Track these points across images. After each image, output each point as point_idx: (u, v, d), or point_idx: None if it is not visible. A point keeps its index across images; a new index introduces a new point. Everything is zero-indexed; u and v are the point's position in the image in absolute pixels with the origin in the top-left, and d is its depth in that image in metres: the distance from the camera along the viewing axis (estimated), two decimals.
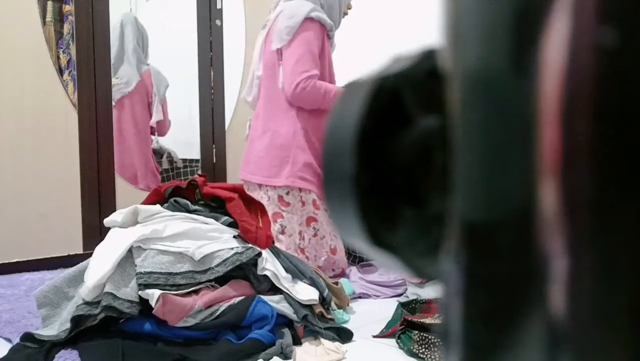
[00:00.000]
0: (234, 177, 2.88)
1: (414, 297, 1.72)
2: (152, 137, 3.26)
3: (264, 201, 2.04)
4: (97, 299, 1.37)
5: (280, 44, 2.10)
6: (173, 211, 1.63)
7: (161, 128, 3.28)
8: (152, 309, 1.38)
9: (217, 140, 3.15)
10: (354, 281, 2.03)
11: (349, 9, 2.21)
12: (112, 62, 3.01)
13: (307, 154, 2.06)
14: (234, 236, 1.60)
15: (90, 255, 1.52)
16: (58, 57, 2.66)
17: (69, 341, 1.36)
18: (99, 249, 1.49)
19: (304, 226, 2.07)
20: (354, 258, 2.29)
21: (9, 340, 1.46)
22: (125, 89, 3.07)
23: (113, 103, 2.99)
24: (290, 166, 2.05)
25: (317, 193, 2.05)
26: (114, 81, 3.00)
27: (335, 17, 2.17)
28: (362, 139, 0.21)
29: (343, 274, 2.17)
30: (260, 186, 2.10)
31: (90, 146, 2.55)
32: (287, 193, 2.05)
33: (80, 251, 2.49)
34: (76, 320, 1.36)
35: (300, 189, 2.06)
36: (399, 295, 1.92)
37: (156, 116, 3.21)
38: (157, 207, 1.64)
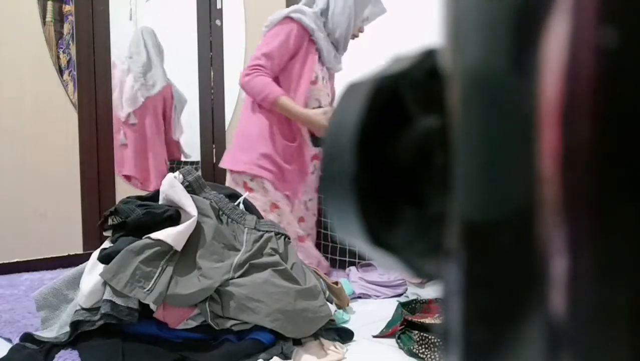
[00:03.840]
0: None
1: (414, 297, 1.72)
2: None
3: (232, 186, 2.08)
4: (96, 305, 1.36)
5: (261, 38, 2.17)
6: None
7: (176, 149, 3.32)
8: (152, 311, 1.38)
9: (217, 140, 3.15)
10: (354, 281, 2.03)
11: (361, 32, 2.23)
12: (140, 68, 3.09)
13: (267, 146, 2.09)
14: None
15: (90, 255, 1.52)
16: (58, 57, 2.66)
17: (69, 341, 1.36)
18: (96, 254, 1.49)
19: (268, 212, 2.08)
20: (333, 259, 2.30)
21: (9, 340, 1.46)
22: (152, 90, 3.14)
23: (141, 102, 3.07)
24: (249, 154, 2.09)
25: (272, 183, 2.06)
26: (141, 81, 3.08)
27: (340, 36, 2.17)
28: (362, 139, 0.21)
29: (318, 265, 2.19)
30: (231, 172, 2.14)
31: (90, 146, 2.55)
32: (252, 180, 2.08)
33: (80, 251, 2.49)
34: (75, 325, 1.36)
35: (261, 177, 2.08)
36: (399, 295, 1.92)
37: (178, 132, 3.27)
38: None
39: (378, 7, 2.19)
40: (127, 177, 3.06)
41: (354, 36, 2.23)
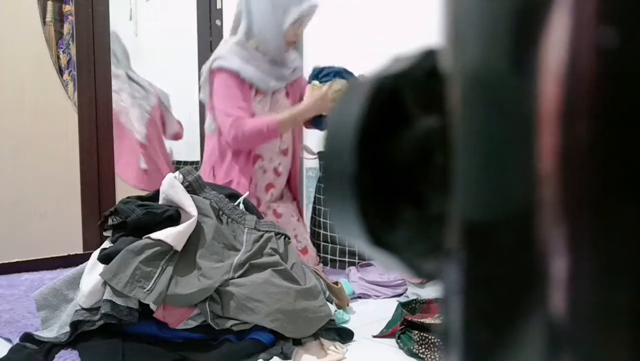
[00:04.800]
0: None
1: (414, 297, 1.72)
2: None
3: None
4: (96, 305, 1.36)
5: (202, 96, 2.17)
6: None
7: (178, 136, 3.31)
8: (152, 311, 1.38)
9: None
10: (354, 281, 2.03)
11: (298, 35, 2.13)
12: (127, 83, 3.00)
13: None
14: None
15: (90, 255, 1.52)
16: (58, 57, 2.66)
17: (69, 341, 1.36)
18: (96, 254, 1.49)
19: None
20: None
21: (9, 340, 1.46)
22: (150, 101, 3.06)
23: (147, 118, 3.00)
24: None
25: None
26: (135, 95, 3.00)
27: (275, 51, 2.09)
28: (362, 138, 0.21)
29: None
30: None
31: (90, 146, 2.55)
32: None
33: (80, 251, 2.49)
34: (75, 324, 1.36)
35: None
36: (399, 295, 1.92)
37: (173, 129, 3.20)
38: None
39: (305, 4, 2.04)
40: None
41: (292, 43, 2.13)
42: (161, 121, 3.15)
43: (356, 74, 2.10)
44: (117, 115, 2.89)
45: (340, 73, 2.06)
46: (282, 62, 2.15)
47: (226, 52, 2.08)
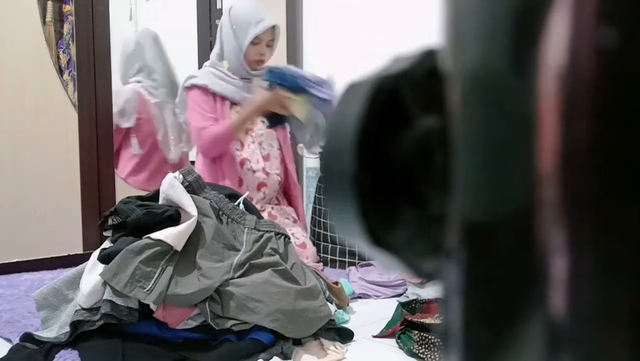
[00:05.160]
0: None
1: (414, 297, 1.72)
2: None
3: None
4: (96, 305, 1.36)
5: (182, 117, 2.36)
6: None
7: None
8: (152, 311, 1.38)
9: None
10: (354, 281, 2.03)
11: (263, 54, 2.22)
12: (172, 97, 2.82)
13: None
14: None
15: (90, 255, 1.52)
16: (58, 57, 2.66)
17: (69, 341, 1.36)
18: (96, 254, 1.49)
19: None
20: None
21: (9, 340, 1.46)
22: (185, 121, 2.93)
23: (185, 137, 2.90)
24: None
25: None
26: (176, 111, 2.83)
27: (238, 68, 2.22)
28: (362, 138, 0.21)
29: None
30: None
31: (90, 146, 2.55)
32: None
33: (80, 251, 2.49)
34: (75, 324, 1.36)
35: None
36: (399, 295, 1.92)
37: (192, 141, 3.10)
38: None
39: (260, 26, 2.16)
40: None
41: (257, 62, 2.21)
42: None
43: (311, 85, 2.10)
44: (155, 132, 2.83)
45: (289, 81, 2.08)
46: (253, 80, 2.26)
47: (199, 72, 2.26)
